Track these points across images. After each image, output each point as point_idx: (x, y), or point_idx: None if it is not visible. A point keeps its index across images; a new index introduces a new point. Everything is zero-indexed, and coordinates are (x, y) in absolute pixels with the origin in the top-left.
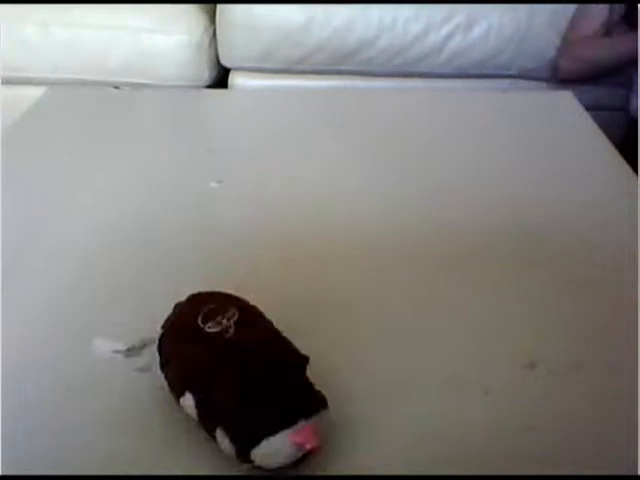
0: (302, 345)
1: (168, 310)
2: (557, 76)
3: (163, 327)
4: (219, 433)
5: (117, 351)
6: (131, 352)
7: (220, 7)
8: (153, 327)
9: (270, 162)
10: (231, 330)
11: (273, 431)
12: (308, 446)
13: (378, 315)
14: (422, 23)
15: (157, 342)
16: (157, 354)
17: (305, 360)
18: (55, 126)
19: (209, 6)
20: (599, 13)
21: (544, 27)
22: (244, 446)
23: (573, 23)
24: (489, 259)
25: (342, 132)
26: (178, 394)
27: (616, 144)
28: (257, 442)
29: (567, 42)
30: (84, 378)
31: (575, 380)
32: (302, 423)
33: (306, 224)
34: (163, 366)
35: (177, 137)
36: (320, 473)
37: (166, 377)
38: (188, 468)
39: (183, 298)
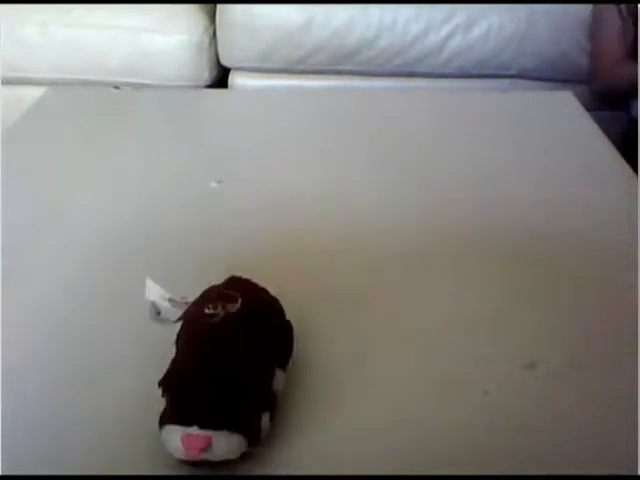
0: (300, 341)
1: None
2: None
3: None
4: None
5: (164, 297)
6: (173, 303)
7: (220, 7)
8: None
9: (270, 162)
10: (216, 319)
11: (170, 421)
12: (188, 454)
13: (377, 314)
14: (422, 23)
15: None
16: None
17: (265, 388)
18: (55, 126)
19: (209, 6)
20: (613, 24)
21: (545, 27)
22: (159, 421)
23: (592, 38)
24: (489, 259)
25: (342, 132)
26: None
27: (616, 144)
28: (162, 425)
29: (595, 63)
30: (84, 378)
31: (575, 380)
32: (194, 429)
33: (306, 224)
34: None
35: (177, 137)
36: (318, 473)
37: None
38: (188, 468)
39: (183, 297)
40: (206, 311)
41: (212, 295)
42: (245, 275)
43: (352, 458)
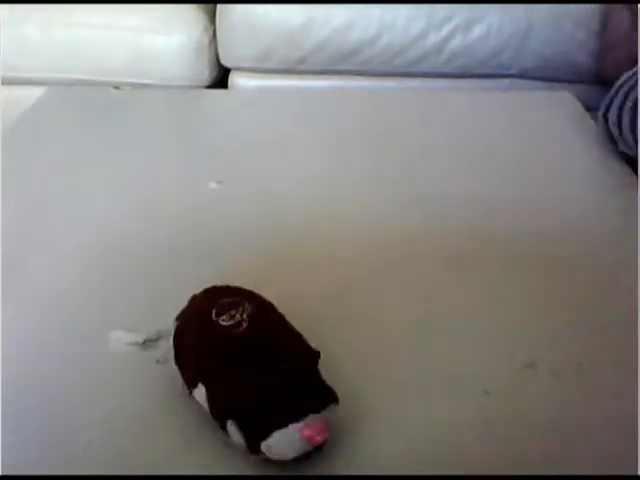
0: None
1: (169, 310)
2: (600, 77)
3: (178, 319)
4: (230, 425)
5: (133, 343)
6: (147, 344)
7: (220, 7)
8: (152, 328)
9: (270, 162)
10: (244, 324)
11: (283, 424)
12: (318, 439)
13: (378, 315)
14: (422, 23)
15: (173, 334)
16: (172, 346)
17: (317, 355)
18: (55, 126)
19: (209, 6)
20: (621, 23)
21: (545, 27)
22: (255, 438)
23: (600, 37)
24: (489, 259)
25: (342, 132)
26: (190, 385)
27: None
28: (267, 434)
29: (604, 46)
30: (84, 378)
31: (575, 380)
32: (312, 416)
33: (306, 224)
34: (178, 358)
35: (177, 137)
36: (317, 473)
37: (180, 368)
38: (195, 464)
39: (182, 298)
40: (224, 324)
41: (219, 308)
42: (246, 275)
43: (350, 458)
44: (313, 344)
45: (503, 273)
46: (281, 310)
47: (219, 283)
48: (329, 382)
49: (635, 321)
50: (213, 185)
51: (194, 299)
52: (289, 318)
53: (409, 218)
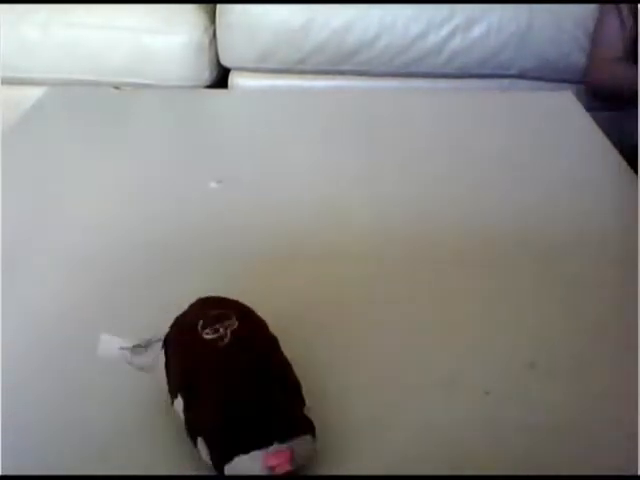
0: (300, 344)
1: (167, 311)
2: (586, 76)
3: (170, 327)
4: (200, 442)
5: (123, 348)
6: (137, 350)
7: (220, 7)
8: (150, 328)
9: (270, 162)
10: (226, 339)
11: (246, 449)
12: (280, 470)
13: (378, 315)
14: (422, 23)
15: (163, 342)
16: (163, 354)
17: (297, 384)
18: (55, 126)
19: (209, 6)
20: (612, 23)
21: (545, 27)
22: (219, 459)
23: (593, 42)
24: (489, 258)
25: (342, 132)
26: (172, 395)
27: (616, 144)
28: (231, 457)
29: (591, 60)
30: (84, 378)
31: (575, 380)
32: (276, 446)
33: (306, 224)
34: (166, 366)
35: (177, 137)
36: (320, 473)
37: (167, 377)
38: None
39: (181, 299)
40: (206, 337)
41: (205, 320)
42: (245, 276)
43: (350, 457)
44: (309, 345)
45: (503, 273)
46: (277, 312)
47: (218, 283)
48: (327, 382)
49: (635, 320)
50: (213, 185)
51: (188, 308)
52: (284, 320)
53: (410, 218)
